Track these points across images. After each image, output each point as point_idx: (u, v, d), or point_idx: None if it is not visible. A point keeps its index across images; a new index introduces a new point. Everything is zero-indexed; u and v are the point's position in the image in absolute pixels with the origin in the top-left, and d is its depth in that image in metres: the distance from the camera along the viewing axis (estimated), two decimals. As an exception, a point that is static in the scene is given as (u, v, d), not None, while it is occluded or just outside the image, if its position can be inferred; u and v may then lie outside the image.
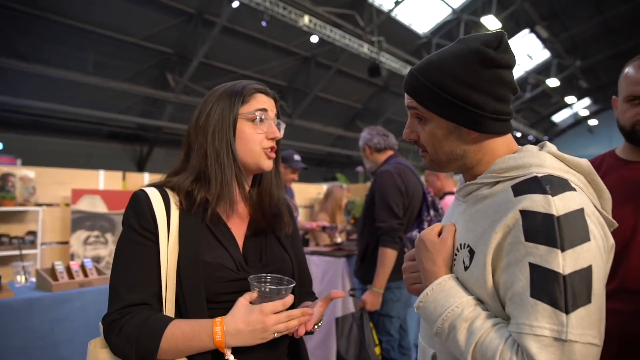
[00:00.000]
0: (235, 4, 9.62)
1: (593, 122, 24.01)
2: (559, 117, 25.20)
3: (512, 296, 0.79)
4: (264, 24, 9.73)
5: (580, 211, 0.80)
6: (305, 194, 8.11)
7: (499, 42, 0.90)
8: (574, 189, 0.83)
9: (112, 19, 9.72)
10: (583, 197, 0.84)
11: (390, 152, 2.96)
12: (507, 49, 0.91)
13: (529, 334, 0.74)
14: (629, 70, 1.38)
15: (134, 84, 11.14)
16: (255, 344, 1.00)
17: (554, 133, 25.77)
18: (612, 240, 0.88)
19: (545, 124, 24.83)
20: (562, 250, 0.76)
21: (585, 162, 0.91)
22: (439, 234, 0.98)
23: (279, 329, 1.01)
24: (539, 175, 0.84)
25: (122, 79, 10.83)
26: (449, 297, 0.87)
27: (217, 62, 12.03)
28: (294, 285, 1.06)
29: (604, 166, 1.50)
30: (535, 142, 0.98)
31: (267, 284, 1.04)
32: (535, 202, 0.80)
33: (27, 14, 8.55)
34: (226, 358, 1.00)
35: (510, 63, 0.91)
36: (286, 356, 1.19)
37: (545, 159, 0.89)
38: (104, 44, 10.06)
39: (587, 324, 0.74)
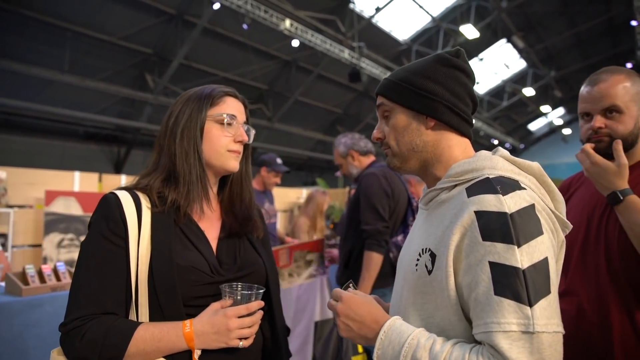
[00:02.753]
0: (216, 6, 9.55)
1: (567, 131, 24.60)
2: (534, 126, 25.73)
3: (477, 296, 0.81)
4: (245, 26, 9.70)
5: (532, 207, 0.85)
6: (284, 198, 8.08)
7: (457, 53, 1.03)
8: (523, 188, 0.88)
9: (89, 17, 9.53)
10: (533, 195, 0.89)
11: (372, 157, 2.94)
12: (465, 60, 1.03)
13: (498, 331, 0.76)
14: (582, 88, 1.50)
15: (112, 83, 10.94)
16: (220, 347, 1.02)
17: (530, 141, 26.29)
18: (562, 237, 0.93)
19: (522, 132, 25.32)
20: (519, 246, 0.80)
21: (536, 165, 0.97)
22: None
23: (242, 334, 1.03)
24: (491, 176, 0.90)
25: (99, 78, 10.63)
26: (401, 334, 0.88)
27: (197, 64, 11.92)
28: (263, 291, 1.08)
29: (581, 180, 1.60)
30: (512, 150, 1.01)
31: (239, 291, 1.05)
32: (487, 202, 0.84)
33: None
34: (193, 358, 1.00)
35: (466, 69, 1.02)
36: None
37: (497, 162, 0.94)
38: (81, 42, 9.85)
39: (549, 314, 0.78)
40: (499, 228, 0.81)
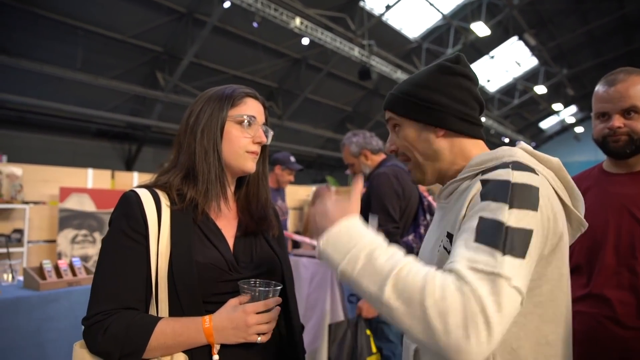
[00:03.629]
0: (226, 4, 9.59)
1: (579, 129, 24.34)
2: (546, 124, 25.51)
3: (457, 241, 0.83)
4: (255, 25, 9.72)
5: (536, 188, 0.86)
6: (294, 195, 8.11)
7: (457, 59, 1.05)
8: (536, 174, 0.89)
9: (101, 16, 9.62)
10: (544, 182, 0.90)
11: (383, 155, 2.94)
12: (466, 65, 1.06)
13: (467, 266, 0.76)
14: (598, 88, 1.50)
15: (123, 81, 11.04)
16: (238, 342, 1.03)
17: (542, 139, 26.07)
18: (560, 229, 0.91)
19: (533, 130, 25.11)
20: (510, 207, 0.81)
21: (555, 160, 0.99)
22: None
23: (261, 329, 1.04)
24: (507, 161, 0.92)
25: (111, 76, 10.73)
26: (365, 234, 0.86)
27: (208, 62, 11.97)
28: (280, 287, 1.09)
29: (591, 179, 1.58)
30: None
31: (257, 288, 1.07)
32: (496, 173, 0.88)
33: (10, 7, 8.37)
34: (213, 355, 1.02)
35: (467, 74, 1.04)
36: None
37: (516, 152, 0.97)
38: (93, 41, 9.95)
39: (516, 273, 0.76)
40: (498, 191, 0.84)
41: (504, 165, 0.89)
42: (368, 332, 2.65)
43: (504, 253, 0.77)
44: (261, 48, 11.90)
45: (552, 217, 0.88)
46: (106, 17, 9.70)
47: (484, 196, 0.85)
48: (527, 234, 0.81)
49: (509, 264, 0.76)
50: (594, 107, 1.51)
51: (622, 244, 1.39)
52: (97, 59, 10.38)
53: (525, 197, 0.83)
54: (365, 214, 2.70)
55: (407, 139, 1.05)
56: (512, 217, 0.80)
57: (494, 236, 0.79)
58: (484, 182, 0.88)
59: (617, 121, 1.42)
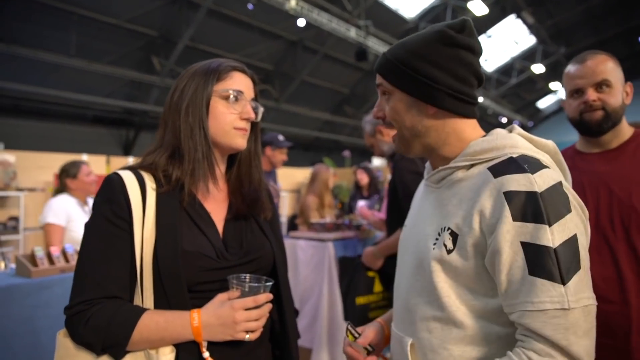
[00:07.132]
0: (220, -14, 9.44)
1: (577, 108, 24.14)
2: (543, 103, 25.35)
3: (511, 277, 0.82)
4: (250, 7, 9.59)
5: (559, 184, 0.85)
6: (291, 178, 8.10)
7: (463, 26, 0.94)
8: (547, 167, 0.88)
9: (94, 0, 9.47)
10: (557, 172, 0.89)
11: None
12: (472, 34, 0.95)
13: (532, 310, 0.78)
14: (568, 68, 1.55)
15: (118, 66, 10.92)
16: (226, 339, 0.99)
17: (539, 119, 25.94)
18: (586, 211, 0.91)
19: (530, 109, 24.97)
20: (549, 225, 0.80)
21: (551, 143, 0.97)
22: None
23: (249, 327, 1.00)
24: (514, 155, 0.88)
25: (106, 61, 10.61)
26: None
27: (203, 46, 11.83)
28: (272, 283, 1.05)
29: (566, 160, 1.58)
30: (521, 127, 1.01)
31: (247, 283, 1.02)
32: (516, 181, 0.83)
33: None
34: (202, 353, 0.98)
35: (472, 46, 0.94)
36: None
37: (517, 140, 0.93)
38: (87, 26, 9.81)
39: (580, 289, 0.79)
40: (530, 208, 0.81)
41: (518, 166, 0.85)
42: (371, 274, 2.65)
43: (564, 282, 0.78)
44: (257, 30, 11.75)
45: (579, 205, 0.88)
46: (100, 1, 9.54)
47: (517, 216, 0.81)
48: (573, 241, 0.81)
49: (573, 288, 0.78)
50: (567, 86, 1.55)
51: (601, 221, 1.44)
52: (92, 44, 10.24)
53: (557, 204, 0.82)
54: (393, 199, 2.58)
55: (396, 111, 0.98)
56: (556, 235, 0.80)
57: (547, 266, 0.78)
58: (507, 195, 0.83)
59: (592, 95, 1.47)
